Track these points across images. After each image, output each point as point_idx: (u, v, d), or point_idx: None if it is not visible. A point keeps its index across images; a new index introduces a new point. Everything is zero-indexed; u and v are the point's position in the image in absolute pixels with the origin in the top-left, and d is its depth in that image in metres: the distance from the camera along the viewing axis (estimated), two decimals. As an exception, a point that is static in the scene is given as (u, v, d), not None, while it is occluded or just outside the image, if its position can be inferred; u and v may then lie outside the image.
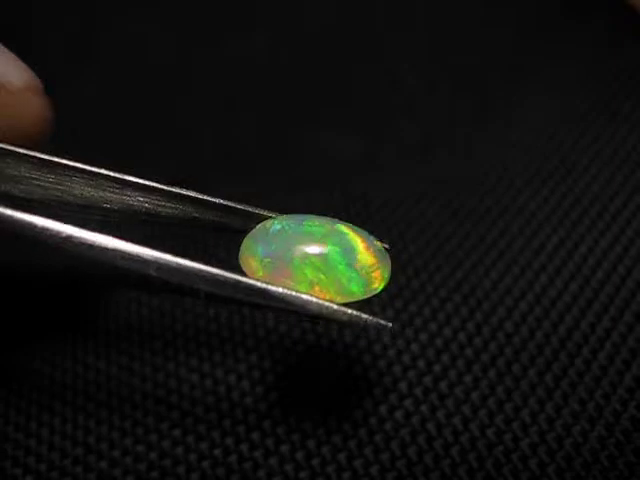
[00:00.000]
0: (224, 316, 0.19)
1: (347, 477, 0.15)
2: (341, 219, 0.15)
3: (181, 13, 0.30)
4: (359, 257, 0.14)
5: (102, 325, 0.19)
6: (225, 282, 0.13)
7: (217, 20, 0.29)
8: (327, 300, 0.13)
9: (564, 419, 0.16)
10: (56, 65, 0.27)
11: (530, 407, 0.16)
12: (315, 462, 0.16)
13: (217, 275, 0.13)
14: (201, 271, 0.13)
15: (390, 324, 0.14)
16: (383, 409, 0.16)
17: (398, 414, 0.16)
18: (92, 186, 0.14)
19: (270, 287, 0.13)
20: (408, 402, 0.16)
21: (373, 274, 0.14)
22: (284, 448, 0.16)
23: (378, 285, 0.14)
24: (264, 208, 0.15)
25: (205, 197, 0.14)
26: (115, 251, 0.13)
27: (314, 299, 0.13)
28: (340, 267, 0.13)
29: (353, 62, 0.28)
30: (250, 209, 0.14)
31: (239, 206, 0.14)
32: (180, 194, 0.14)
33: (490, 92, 0.25)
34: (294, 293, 0.13)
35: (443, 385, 0.17)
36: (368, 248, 0.14)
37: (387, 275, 0.14)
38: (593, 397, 0.16)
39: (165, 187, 0.14)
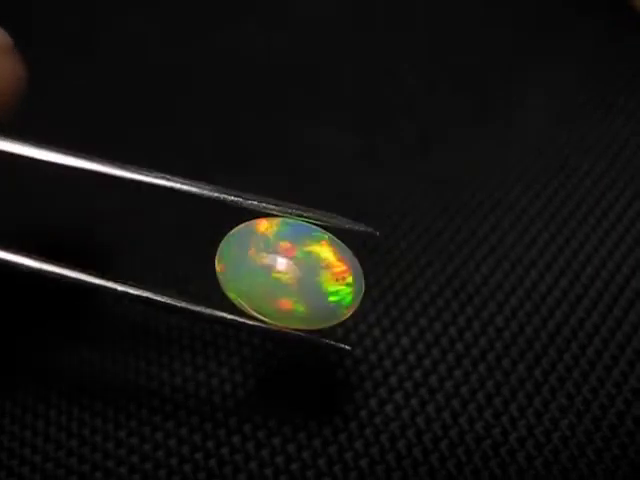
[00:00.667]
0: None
1: (338, 469, 0.16)
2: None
3: (179, 12, 0.30)
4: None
5: (97, 319, 0.20)
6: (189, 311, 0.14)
7: (215, 18, 0.30)
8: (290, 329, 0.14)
9: (552, 413, 0.16)
10: (56, 64, 0.27)
11: (519, 401, 0.16)
12: (306, 454, 0.16)
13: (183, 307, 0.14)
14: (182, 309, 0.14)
15: (350, 348, 0.14)
16: (373, 402, 0.17)
17: (388, 408, 0.16)
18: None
19: (233, 317, 0.14)
20: (398, 396, 0.17)
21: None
22: (276, 441, 0.16)
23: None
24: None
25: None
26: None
27: (276, 329, 0.14)
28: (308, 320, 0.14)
29: (353, 61, 0.28)
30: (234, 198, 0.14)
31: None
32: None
33: (490, 92, 0.25)
34: (256, 323, 0.14)
35: (433, 379, 0.17)
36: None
37: (346, 312, 0.14)
38: (581, 392, 0.16)
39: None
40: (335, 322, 0.14)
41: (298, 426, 0.16)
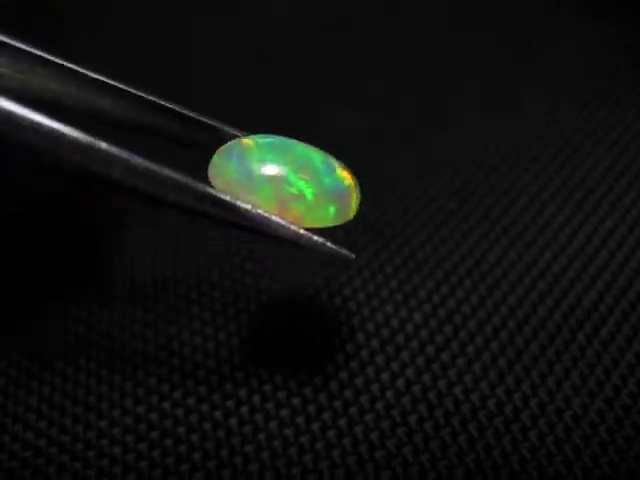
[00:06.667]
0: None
1: (348, 443, 0.16)
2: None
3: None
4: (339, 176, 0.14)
5: (103, 287, 0.19)
6: (194, 192, 0.13)
7: (223, 8, 0.30)
8: (296, 225, 0.14)
9: (564, 392, 0.16)
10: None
11: (531, 379, 0.16)
12: (315, 426, 0.16)
13: (187, 184, 0.13)
14: (170, 178, 0.12)
15: (354, 256, 0.14)
16: (385, 377, 0.16)
17: (399, 383, 0.16)
18: (55, 80, 0.14)
19: (239, 204, 0.13)
20: (410, 371, 0.16)
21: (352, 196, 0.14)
22: (284, 412, 0.16)
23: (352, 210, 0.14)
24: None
25: (173, 106, 0.14)
26: (67, 138, 0.12)
27: (282, 222, 0.13)
28: (325, 180, 0.14)
29: (366, 49, 0.28)
30: (218, 125, 0.14)
31: (207, 120, 0.15)
32: (151, 102, 0.14)
33: (497, 85, 0.25)
34: (262, 213, 0.13)
35: (445, 355, 0.17)
36: (345, 169, 0.14)
37: (356, 204, 0.14)
38: (594, 372, 0.16)
39: (134, 91, 0.14)
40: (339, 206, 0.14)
41: (307, 399, 0.16)
